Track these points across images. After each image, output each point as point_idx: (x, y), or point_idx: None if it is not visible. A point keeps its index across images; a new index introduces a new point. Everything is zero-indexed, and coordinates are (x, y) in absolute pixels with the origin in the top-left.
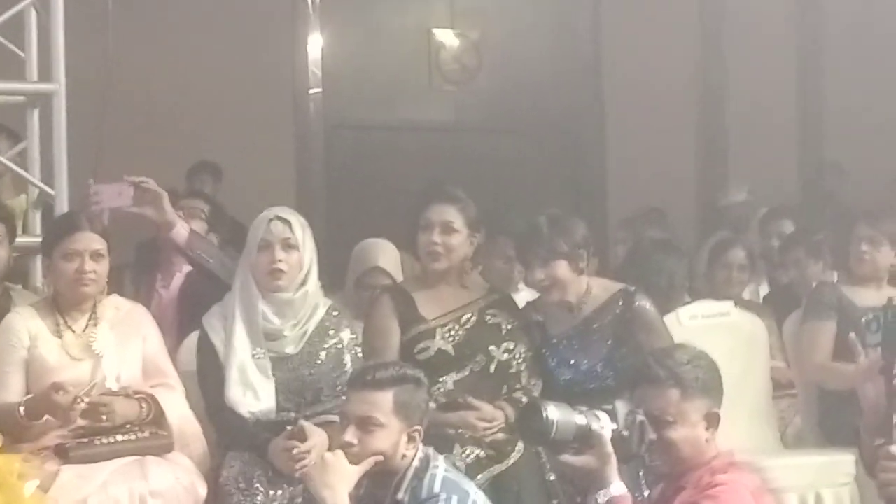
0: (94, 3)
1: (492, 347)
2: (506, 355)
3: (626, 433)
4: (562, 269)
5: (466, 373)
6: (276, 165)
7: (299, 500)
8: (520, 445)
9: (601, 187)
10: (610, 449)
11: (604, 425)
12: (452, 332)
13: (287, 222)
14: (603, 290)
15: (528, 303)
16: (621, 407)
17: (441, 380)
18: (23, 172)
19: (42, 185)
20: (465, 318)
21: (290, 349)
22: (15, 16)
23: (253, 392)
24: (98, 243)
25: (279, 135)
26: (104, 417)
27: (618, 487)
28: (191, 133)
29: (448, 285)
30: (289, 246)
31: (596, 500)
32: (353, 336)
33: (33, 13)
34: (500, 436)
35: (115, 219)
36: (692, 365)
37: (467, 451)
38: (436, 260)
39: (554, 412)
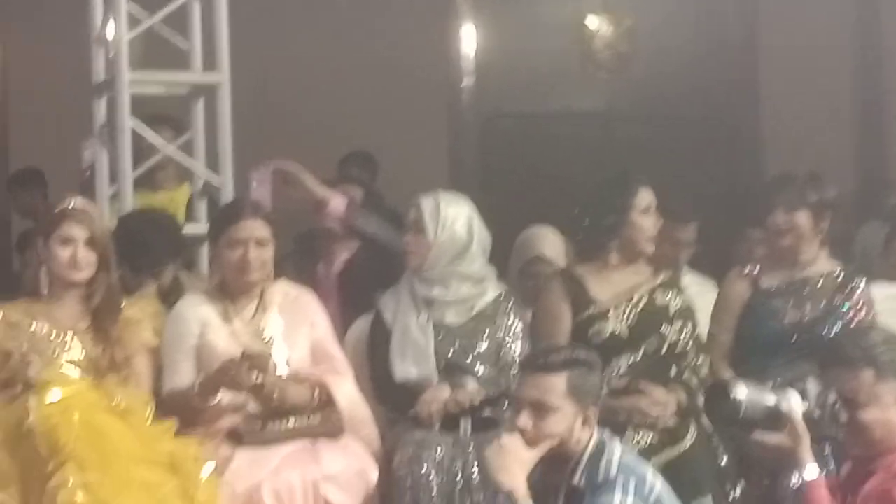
0: None
1: (663, 328)
2: (675, 336)
3: (817, 414)
4: (804, 218)
5: (639, 355)
6: (430, 156)
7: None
8: (693, 430)
9: (756, 174)
10: (803, 429)
11: (794, 405)
12: (625, 314)
13: (418, 206)
14: (826, 259)
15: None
16: (813, 387)
17: (614, 363)
18: (189, 162)
19: (207, 174)
20: (636, 299)
21: (451, 319)
22: (179, 7)
23: (412, 358)
24: (262, 230)
25: (433, 126)
26: (276, 399)
27: (812, 471)
28: (346, 124)
29: (617, 268)
30: (418, 228)
31: (788, 483)
32: (522, 333)
33: (197, 5)
34: (673, 420)
35: (275, 209)
36: (887, 346)
37: (640, 436)
38: (650, 245)
39: (742, 392)
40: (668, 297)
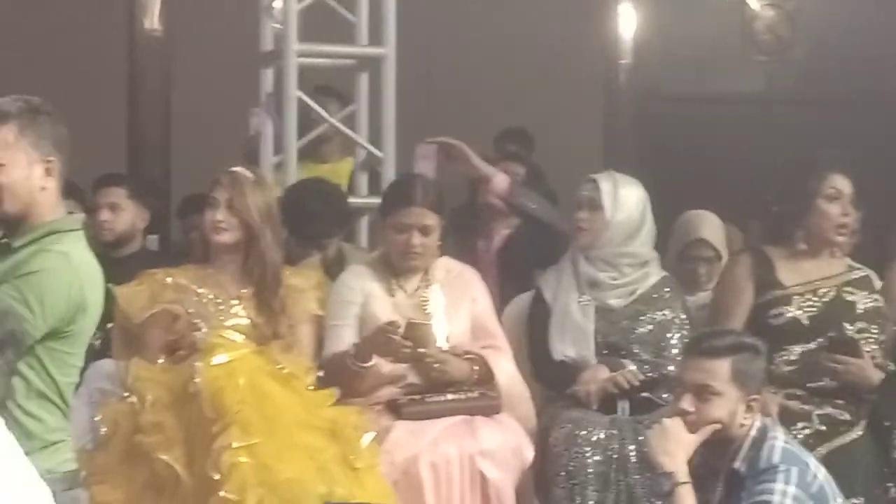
0: None
1: (845, 324)
2: (857, 335)
3: None
4: None
5: (814, 346)
6: (586, 135)
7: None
8: (861, 424)
9: None
10: None
11: None
12: (809, 303)
13: (595, 183)
14: None
15: None
16: None
17: (788, 348)
18: (352, 134)
19: (370, 146)
20: (822, 290)
21: (613, 301)
22: None
23: (572, 337)
24: (429, 218)
25: (589, 105)
26: (434, 375)
27: None
28: (504, 101)
29: (812, 256)
30: (594, 206)
31: None
32: (684, 318)
33: None
34: (838, 412)
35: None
36: None
37: (801, 426)
38: (843, 233)
39: None
40: (856, 295)
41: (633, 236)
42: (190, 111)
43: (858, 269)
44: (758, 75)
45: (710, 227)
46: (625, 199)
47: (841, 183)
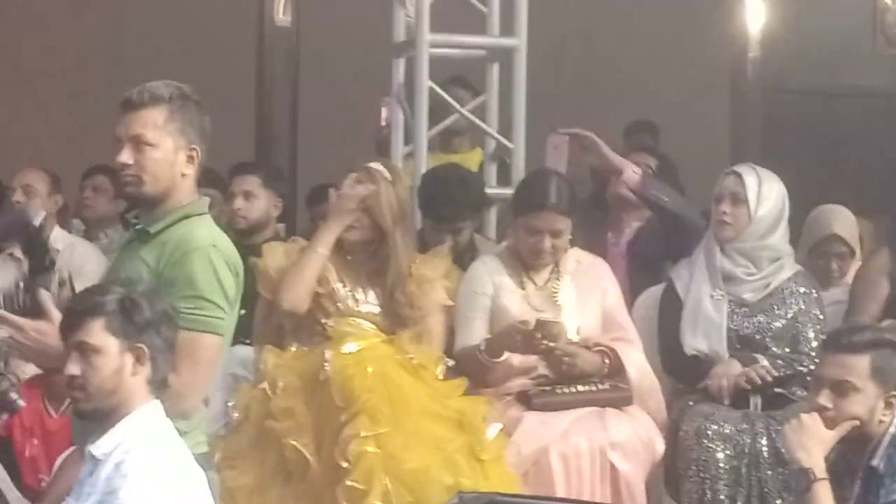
0: None
1: None
2: None
3: None
4: None
5: None
6: (713, 128)
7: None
8: None
9: None
10: None
11: None
12: None
13: (739, 176)
14: None
15: None
16: None
17: None
18: (482, 125)
19: (500, 137)
20: None
21: (748, 295)
22: None
23: (704, 331)
24: (560, 223)
25: (716, 97)
26: (565, 367)
27: None
28: (631, 93)
29: None
30: (737, 200)
31: None
32: (818, 313)
33: None
34: None
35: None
36: None
37: None
38: None
39: None
40: None
41: (773, 231)
42: (317, 101)
43: None
44: (890, 69)
45: (843, 222)
46: (767, 194)
47: None
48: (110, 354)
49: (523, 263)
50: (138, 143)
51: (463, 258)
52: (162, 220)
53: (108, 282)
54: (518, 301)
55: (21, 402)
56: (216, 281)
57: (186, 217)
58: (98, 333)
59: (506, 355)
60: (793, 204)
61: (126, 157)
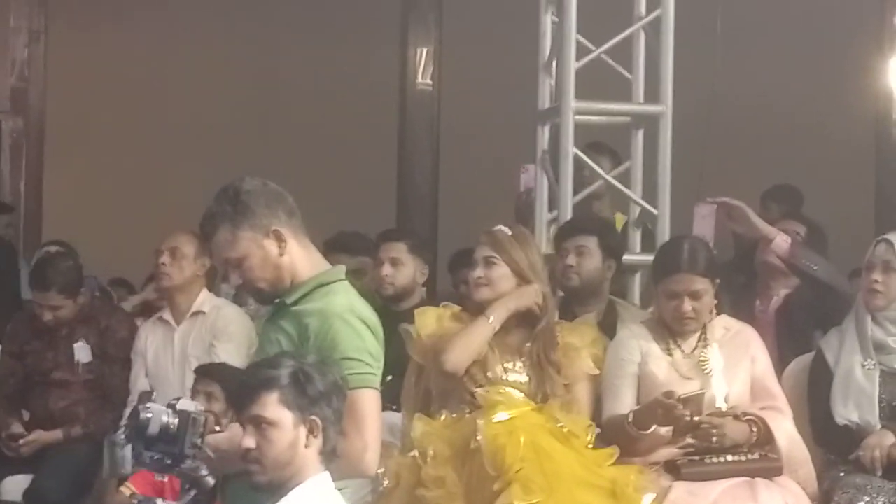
0: (703, 27)
1: None
2: None
3: None
4: None
5: None
6: (856, 194)
7: None
8: None
9: None
10: None
11: None
12: None
13: (890, 245)
14: None
15: None
16: None
17: None
18: (626, 191)
19: (645, 203)
20: None
21: None
22: (625, 39)
23: (855, 401)
24: (698, 283)
25: (860, 163)
26: (714, 438)
27: None
28: (776, 158)
29: None
30: (889, 268)
31: None
32: None
33: (642, 36)
34: None
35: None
36: None
37: None
38: None
39: None
40: None
41: None
42: (458, 167)
43: None
44: None
45: None
46: None
47: None
48: (285, 427)
49: (670, 331)
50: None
51: (604, 324)
52: (297, 291)
53: (280, 354)
54: (666, 368)
55: (211, 480)
56: (359, 340)
57: (322, 285)
58: (272, 407)
59: (653, 427)
60: None
61: None
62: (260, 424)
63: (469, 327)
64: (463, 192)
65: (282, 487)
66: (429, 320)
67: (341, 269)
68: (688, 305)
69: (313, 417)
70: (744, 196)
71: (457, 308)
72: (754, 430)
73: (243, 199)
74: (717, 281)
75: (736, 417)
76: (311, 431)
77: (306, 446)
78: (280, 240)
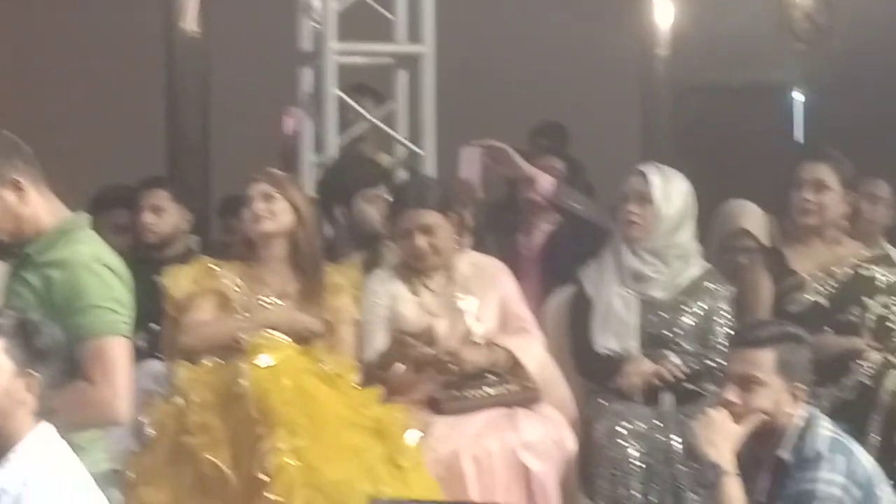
0: None
1: (866, 300)
2: (882, 309)
3: None
4: None
5: (842, 326)
6: (623, 127)
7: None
8: None
9: None
10: None
11: None
12: (825, 285)
13: (644, 176)
14: None
15: None
16: None
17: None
18: (391, 132)
19: (410, 144)
20: (837, 271)
21: (657, 293)
22: None
23: (614, 331)
24: (429, 217)
25: (626, 97)
26: (455, 367)
27: None
28: (541, 95)
29: (821, 241)
30: (644, 199)
31: None
32: (727, 309)
33: None
34: None
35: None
36: None
37: None
38: (807, 216)
39: None
40: (874, 271)
41: (680, 229)
42: (228, 112)
43: (874, 249)
44: (796, 65)
45: (751, 217)
46: (673, 192)
47: (808, 171)
48: (3, 375)
49: (415, 271)
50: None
51: (371, 269)
52: (40, 242)
53: (4, 306)
54: (415, 309)
55: None
56: (106, 288)
57: (64, 234)
58: None
59: (399, 368)
60: (702, 201)
61: None
62: None
63: (221, 322)
64: (235, 140)
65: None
66: (182, 281)
67: (84, 217)
68: (421, 240)
69: (32, 372)
70: (510, 134)
71: (211, 262)
72: (494, 351)
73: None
74: (454, 214)
75: (474, 343)
76: (28, 387)
77: (21, 402)
78: (18, 189)
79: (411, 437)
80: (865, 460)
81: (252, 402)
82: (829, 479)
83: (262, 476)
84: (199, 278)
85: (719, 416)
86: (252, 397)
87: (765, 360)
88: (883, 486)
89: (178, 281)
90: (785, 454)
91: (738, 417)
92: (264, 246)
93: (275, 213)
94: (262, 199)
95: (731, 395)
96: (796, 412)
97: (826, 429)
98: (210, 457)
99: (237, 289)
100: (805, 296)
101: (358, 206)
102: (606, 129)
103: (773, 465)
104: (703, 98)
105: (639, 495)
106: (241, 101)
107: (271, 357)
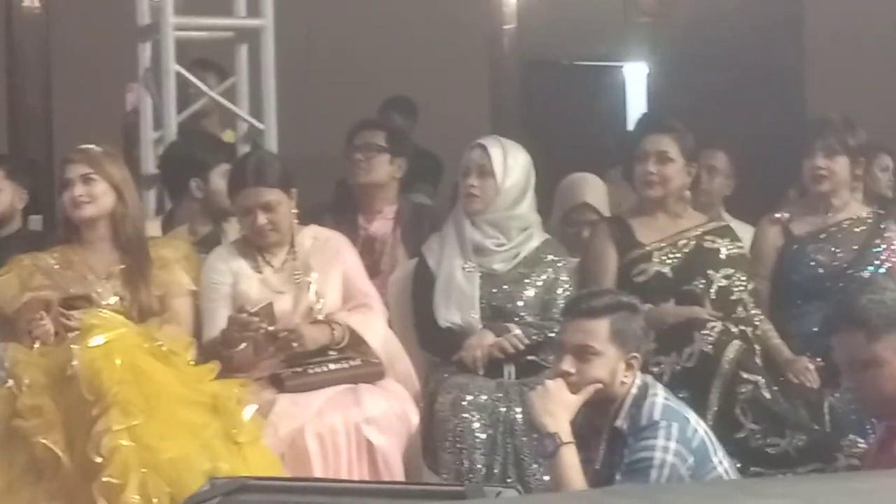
0: None
1: (710, 271)
2: (725, 281)
3: None
4: (841, 164)
5: (686, 297)
6: (472, 101)
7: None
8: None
9: (799, 119)
10: None
11: None
12: (670, 256)
13: (484, 149)
14: (859, 205)
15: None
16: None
17: (660, 304)
18: (232, 107)
19: (252, 119)
20: (681, 242)
21: (498, 266)
22: None
23: (456, 304)
24: (268, 195)
25: (474, 71)
26: (295, 344)
27: None
28: (387, 69)
29: (665, 213)
30: (484, 172)
31: None
32: (566, 280)
33: None
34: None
35: (314, 160)
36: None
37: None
38: (651, 188)
39: None
40: (717, 243)
41: (520, 201)
42: (71, 88)
43: (716, 219)
44: (641, 38)
45: (593, 190)
46: (513, 165)
47: (651, 143)
48: None
49: (256, 247)
50: None
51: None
52: None
53: None
54: (257, 285)
55: None
56: None
57: None
58: None
59: (242, 345)
60: (548, 173)
61: None
62: None
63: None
64: (78, 114)
65: None
66: (8, 292)
67: None
68: (262, 218)
69: None
70: (361, 109)
71: (27, 258)
72: (335, 329)
73: None
74: (294, 190)
75: (315, 322)
76: None
77: None
78: None
79: (248, 411)
80: (700, 427)
81: (84, 383)
82: (664, 447)
83: (96, 458)
84: (25, 281)
85: (555, 386)
86: (84, 378)
87: (599, 330)
88: (719, 453)
89: (5, 293)
90: (621, 423)
91: (574, 387)
92: (87, 229)
93: (94, 195)
94: (80, 182)
95: (567, 364)
96: (631, 381)
97: (660, 397)
98: (42, 440)
99: (70, 275)
100: (650, 267)
101: (214, 182)
102: (456, 104)
103: (610, 433)
104: (550, 72)
105: (482, 467)
106: (84, 77)
107: (103, 336)
